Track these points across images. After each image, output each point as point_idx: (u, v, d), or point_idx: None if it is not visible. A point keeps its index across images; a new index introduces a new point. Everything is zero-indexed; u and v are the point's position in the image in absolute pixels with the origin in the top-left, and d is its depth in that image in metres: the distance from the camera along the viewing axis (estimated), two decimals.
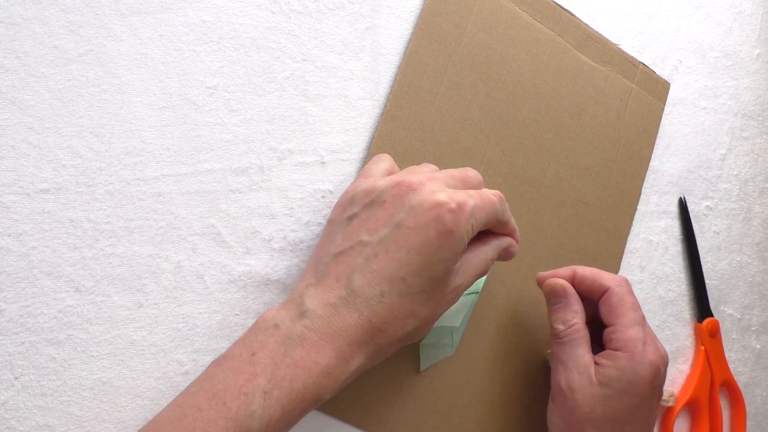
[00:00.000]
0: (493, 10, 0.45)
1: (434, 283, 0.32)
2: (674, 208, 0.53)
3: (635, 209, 0.51)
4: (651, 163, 0.52)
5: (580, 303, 0.41)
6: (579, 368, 0.39)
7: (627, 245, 0.50)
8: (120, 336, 0.35)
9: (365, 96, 0.41)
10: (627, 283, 0.41)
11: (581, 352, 0.39)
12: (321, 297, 0.32)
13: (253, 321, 0.37)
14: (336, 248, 0.33)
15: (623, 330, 0.39)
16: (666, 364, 0.40)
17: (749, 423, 0.55)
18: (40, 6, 0.34)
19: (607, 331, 0.41)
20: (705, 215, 0.55)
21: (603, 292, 0.41)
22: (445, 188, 0.33)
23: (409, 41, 0.42)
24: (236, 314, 0.37)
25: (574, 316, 0.40)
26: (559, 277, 0.42)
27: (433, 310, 0.33)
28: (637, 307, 0.41)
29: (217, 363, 0.32)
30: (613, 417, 0.38)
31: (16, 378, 0.32)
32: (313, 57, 0.40)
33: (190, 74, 0.37)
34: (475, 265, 0.35)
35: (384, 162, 0.38)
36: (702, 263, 0.54)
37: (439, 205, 0.32)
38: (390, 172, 0.37)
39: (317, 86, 0.40)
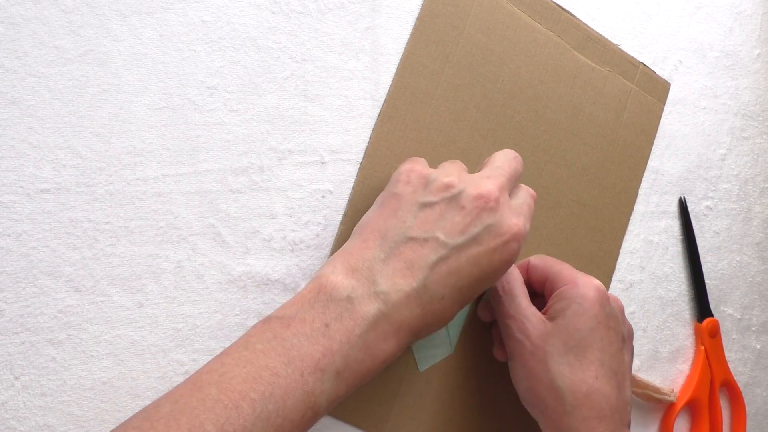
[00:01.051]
0: (492, 10, 0.45)
1: (474, 298, 0.35)
2: (674, 208, 0.53)
3: (632, 209, 0.51)
4: (651, 163, 0.52)
5: (517, 269, 0.41)
6: (527, 315, 0.39)
7: (627, 245, 0.50)
8: (120, 336, 0.35)
9: (365, 96, 0.41)
10: (549, 257, 0.43)
11: (525, 303, 0.39)
12: (393, 280, 0.33)
13: (253, 321, 0.37)
14: (409, 231, 0.34)
15: (557, 273, 0.40)
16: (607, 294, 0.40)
17: (749, 423, 0.55)
18: (40, 6, 0.34)
19: (546, 290, 0.41)
20: (705, 215, 0.55)
21: (525, 269, 0.43)
22: (515, 211, 0.35)
23: (407, 42, 0.42)
24: (236, 314, 0.37)
25: (511, 274, 0.40)
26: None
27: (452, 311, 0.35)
28: (562, 262, 0.42)
29: (284, 323, 0.31)
30: (572, 344, 0.37)
31: (16, 378, 0.32)
32: (313, 57, 0.40)
33: (190, 74, 0.37)
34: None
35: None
36: (702, 263, 0.54)
37: (511, 234, 0.34)
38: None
39: (317, 86, 0.40)
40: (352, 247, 0.34)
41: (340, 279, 0.32)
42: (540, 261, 0.42)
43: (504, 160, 0.38)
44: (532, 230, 0.46)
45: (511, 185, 0.37)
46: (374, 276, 0.33)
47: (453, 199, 0.34)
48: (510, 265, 0.35)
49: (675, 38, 0.54)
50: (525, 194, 0.38)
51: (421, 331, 0.34)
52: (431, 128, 0.43)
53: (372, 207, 0.37)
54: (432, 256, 0.33)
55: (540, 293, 0.42)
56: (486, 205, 0.34)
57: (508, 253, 0.34)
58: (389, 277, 0.32)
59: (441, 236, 0.33)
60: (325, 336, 0.31)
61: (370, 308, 0.32)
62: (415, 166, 0.37)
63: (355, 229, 0.36)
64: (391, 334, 0.32)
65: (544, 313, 0.39)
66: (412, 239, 0.34)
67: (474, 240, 0.34)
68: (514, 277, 0.40)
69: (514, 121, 0.45)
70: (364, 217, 0.36)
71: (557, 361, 0.37)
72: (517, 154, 0.39)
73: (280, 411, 0.29)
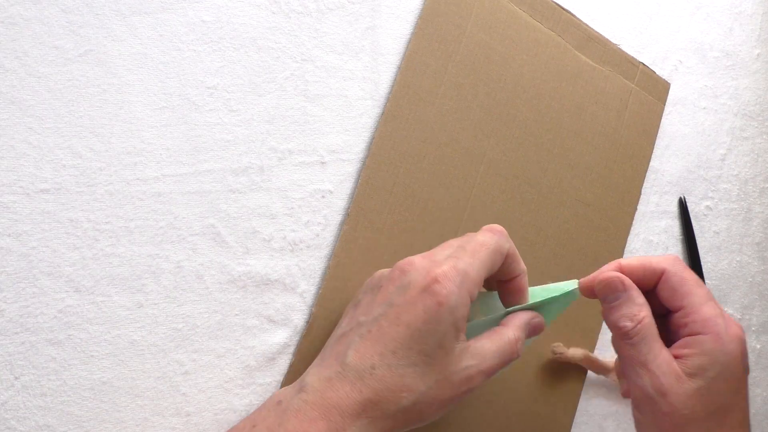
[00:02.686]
0: (493, 10, 0.45)
1: (427, 358, 0.32)
2: (674, 208, 0.53)
3: (635, 209, 0.51)
4: (651, 163, 0.52)
5: (642, 295, 0.36)
6: (662, 367, 0.34)
7: (627, 245, 0.50)
8: (120, 336, 0.35)
9: (365, 96, 0.41)
10: (680, 260, 0.37)
11: (658, 347, 0.34)
12: (319, 373, 0.33)
13: (253, 321, 0.37)
14: (339, 331, 0.35)
15: (696, 310, 0.35)
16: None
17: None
18: (40, 6, 0.34)
19: (675, 316, 0.36)
20: (705, 215, 0.55)
21: (657, 277, 0.36)
22: (439, 262, 0.33)
23: (409, 41, 0.42)
24: (236, 314, 0.37)
25: (641, 310, 0.35)
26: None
27: (435, 389, 0.32)
28: (701, 282, 0.36)
29: None
30: (714, 410, 0.33)
31: (16, 378, 0.32)
32: (313, 57, 0.40)
33: (190, 74, 0.37)
34: (493, 350, 0.34)
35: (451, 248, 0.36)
36: (702, 263, 0.54)
37: (431, 278, 0.32)
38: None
39: (317, 86, 0.40)
40: None
41: (278, 390, 0.35)
42: (675, 273, 0.36)
43: (469, 241, 0.35)
44: (536, 230, 0.46)
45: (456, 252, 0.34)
46: (304, 378, 0.34)
47: (375, 286, 0.35)
48: (445, 308, 0.32)
49: (675, 38, 0.54)
50: (479, 236, 0.35)
51: (376, 406, 0.32)
52: (435, 127, 0.43)
53: None
54: (354, 338, 0.33)
55: (660, 302, 0.37)
56: (401, 271, 0.34)
57: (431, 296, 0.32)
58: (316, 373, 0.33)
59: (362, 318, 0.34)
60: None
61: (293, 402, 0.32)
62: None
63: None
64: (317, 417, 0.31)
65: (677, 358, 0.34)
66: (341, 336, 0.35)
67: (391, 305, 0.33)
68: (646, 315, 0.35)
69: (517, 121, 0.45)
70: None
71: (697, 427, 0.34)
72: (492, 232, 0.35)
73: None
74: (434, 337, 0.32)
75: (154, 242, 0.35)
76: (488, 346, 0.34)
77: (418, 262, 0.34)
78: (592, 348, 0.48)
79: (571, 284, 0.38)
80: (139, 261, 0.35)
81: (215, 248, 0.37)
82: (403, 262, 0.34)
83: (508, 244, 0.36)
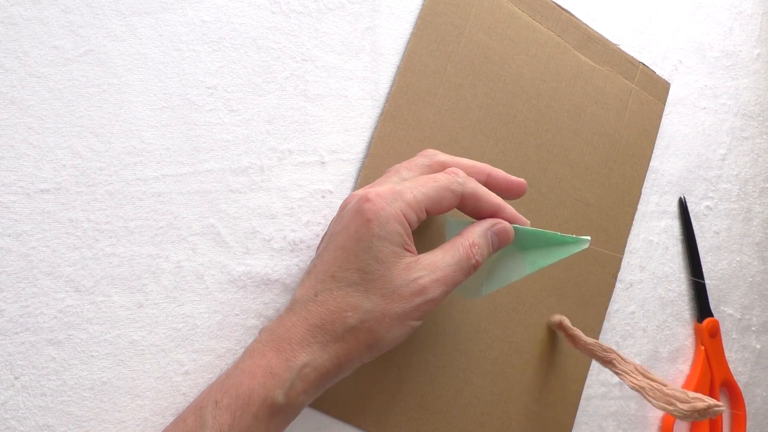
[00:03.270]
0: (492, 10, 0.45)
1: (366, 275, 0.32)
2: (674, 208, 0.53)
3: (635, 209, 0.51)
4: (651, 163, 0.52)
5: None
6: None
7: (627, 245, 0.50)
8: (120, 336, 0.35)
9: (365, 96, 0.41)
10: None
11: None
12: (272, 320, 0.34)
13: (253, 321, 0.37)
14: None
15: None
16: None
17: (749, 423, 0.55)
18: (40, 6, 0.34)
19: None
20: (705, 215, 0.55)
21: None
22: (376, 186, 0.34)
23: (409, 41, 0.42)
24: (236, 314, 0.37)
25: None
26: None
27: (381, 304, 0.32)
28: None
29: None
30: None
31: (16, 378, 0.32)
32: (313, 57, 0.40)
33: (190, 74, 0.37)
34: (447, 258, 0.33)
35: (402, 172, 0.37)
36: (702, 263, 0.54)
37: (360, 201, 0.33)
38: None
39: (317, 86, 0.40)
40: None
41: None
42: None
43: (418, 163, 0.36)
44: None
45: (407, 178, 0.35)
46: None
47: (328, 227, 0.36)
48: (375, 223, 0.32)
49: (675, 38, 0.54)
50: (434, 174, 0.35)
51: (323, 330, 0.32)
52: (434, 127, 0.43)
53: None
54: (303, 277, 0.34)
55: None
56: (341, 207, 0.35)
57: (360, 215, 0.32)
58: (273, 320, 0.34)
59: (315, 261, 0.34)
60: (211, 384, 0.33)
61: (249, 345, 0.33)
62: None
63: None
64: (267, 350, 0.32)
65: None
66: (298, 286, 0.35)
67: (331, 235, 0.34)
68: None
69: (517, 121, 0.45)
70: None
71: None
72: (449, 174, 0.35)
73: None
74: (368, 253, 0.32)
75: (154, 242, 0.35)
76: (440, 256, 0.34)
77: (358, 191, 0.34)
78: None
79: (583, 239, 0.35)
80: (139, 261, 0.35)
81: (215, 248, 0.37)
82: (346, 198, 0.35)
83: (467, 185, 0.35)
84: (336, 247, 0.33)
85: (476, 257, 0.34)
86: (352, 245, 0.32)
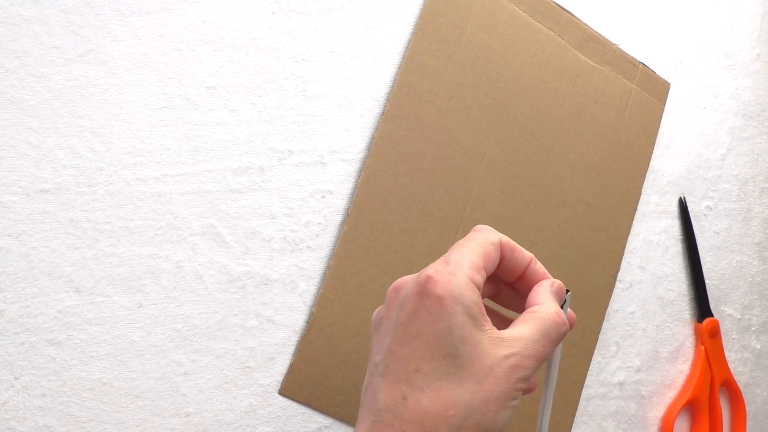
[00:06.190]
0: (493, 10, 0.45)
1: (454, 360, 0.28)
2: (674, 208, 0.53)
3: (635, 209, 0.51)
4: (651, 163, 0.52)
5: None
6: None
7: (627, 245, 0.50)
8: (120, 336, 0.34)
9: (365, 96, 0.41)
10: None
11: None
12: None
13: (253, 321, 0.37)
14: (364, 385, 0.31)
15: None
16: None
17: (749, 423, 0.55)
18: (40, 6, 0.34)
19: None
20: (705, 215, 0.55)
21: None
22: (427, 268, 0.30)
23: (409, 41, 0.42)
24: (235, 314, 0.37)
25: None
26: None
27: (480, 392, 0.28)
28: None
29: None
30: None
31: (16, 378, 0.32)
32: (313, 57, 0.40)
33: (190, 74, 0.37)
34: (533, 330, 0.30)
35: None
36: (702, 263, 0.54)
37: (420, 283, 0.29)
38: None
39: (317, 86, 0.40)
40: None
41: None
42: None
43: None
44: (536, 230, 0.46)
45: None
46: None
47: (380, 320, 0.31)
48: (447, 300, 0.29)
49: (675, 38, 0.54)
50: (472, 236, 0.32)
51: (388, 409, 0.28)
52: (435, 127, 0.42)
53: None
54: (375, 380, 0.30)
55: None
56: (395, 293, 0.31)
57: (428, 296, 0.29)
58: None
59: (376, 358, 0.30)
60: None
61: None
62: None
63: None
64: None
65: None
66: (366, 386, 0.31)
67: (394, 327, 0.29)
68: None
69: (517, 121, 0.45)
70: None
71: None
72: (478, 231, 0.33)
73: None
74: (452, 334, 0.28)
75: (154, 242, 0.35)
76: (525, 329, 0.30)
77: (407, 277, 0.31)
78: (592, 347, 0.48)
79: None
80: (139, 261, 0.35)
81: (215, 248, 0.37)
82: (394, 283, 0.31)
83: (498, 236, 0.33)
84: (410, 337, 0.28)
85: (565, 320, 0.31)
86: (429, 330, 0.28)
